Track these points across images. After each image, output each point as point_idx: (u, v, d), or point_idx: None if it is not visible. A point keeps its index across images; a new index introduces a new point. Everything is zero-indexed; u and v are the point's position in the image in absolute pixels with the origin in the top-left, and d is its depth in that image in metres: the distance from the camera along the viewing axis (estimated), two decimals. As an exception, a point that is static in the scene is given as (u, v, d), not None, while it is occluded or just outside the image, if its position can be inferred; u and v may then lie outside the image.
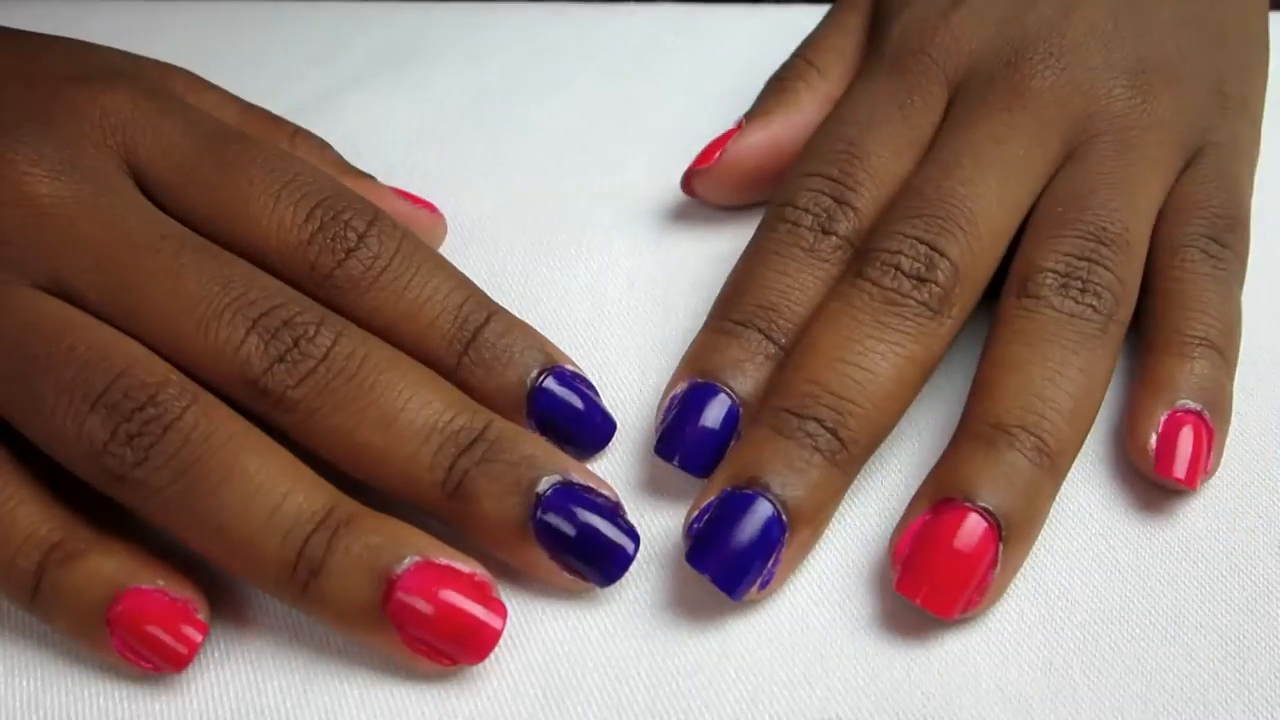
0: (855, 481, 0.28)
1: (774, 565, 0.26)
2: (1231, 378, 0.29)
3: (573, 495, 0.26)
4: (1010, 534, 0.25)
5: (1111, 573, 0.27)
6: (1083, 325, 0.28)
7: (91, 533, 0.26)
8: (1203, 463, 0.27)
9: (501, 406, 0.28)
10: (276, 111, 0.34)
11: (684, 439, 0.28)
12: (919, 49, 0.32)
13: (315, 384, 0.26)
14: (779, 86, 0.35)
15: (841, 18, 0.36)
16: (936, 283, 0.28)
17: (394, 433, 0.26)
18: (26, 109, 0.29)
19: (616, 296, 0.33)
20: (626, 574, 0.26)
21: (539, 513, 0.26)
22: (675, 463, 0.28)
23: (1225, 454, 0.28)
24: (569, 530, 0.26)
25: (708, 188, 0.35)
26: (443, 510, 0.26)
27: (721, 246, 0.34)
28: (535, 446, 0.26)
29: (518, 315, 0.29)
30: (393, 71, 0.42)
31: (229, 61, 0.41)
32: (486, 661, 0.25)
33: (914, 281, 0.28)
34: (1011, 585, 0.26)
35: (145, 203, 0.28)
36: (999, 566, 0.25)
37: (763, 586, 0.26)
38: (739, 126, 0.34)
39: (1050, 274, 0.28)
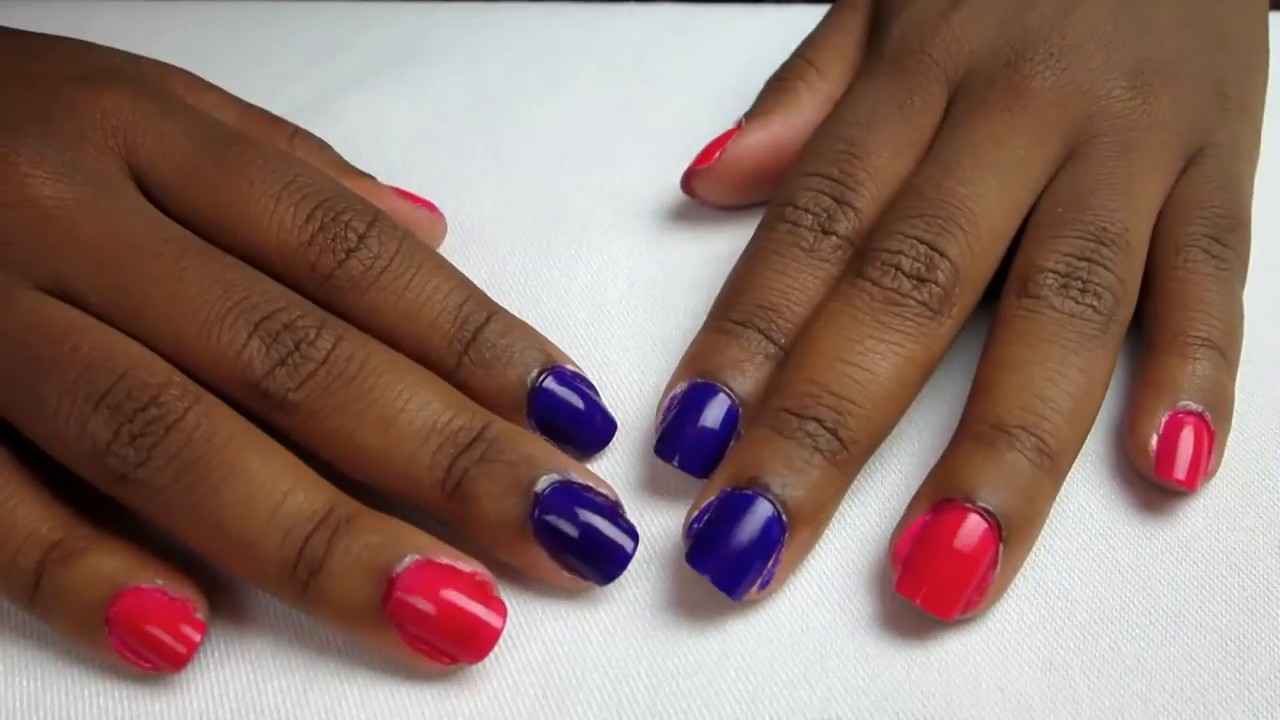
0: (855, 481, 0.28)
1: (774, 565, 0.26)
2: (1233, 379, 0.29)
3: (571, 494, 0.26)
4: (1010, 534, 0.25)
5: (1111, 573, 0.27)
6: (1083, 325, 0.28)
7: (91, 532, 0.26)
8: (1203, 464, 0.27)
9: (502, 406, 0.28)
10: (276, 111, 0.34)
11: (684, 439, 0.28)
12: (919, 49, 0.32)
13: (315, 387, 0.26)
14: (779, 86, 0.35)
15: (841, 18, 0.36)
16: (937, 283, 0.28)
17: (393, 433, 0.26)
18: (27, 110, 0.29)
19: (616, 296, 0.33)
20: (626, 574, 0.26)
21: (538, 512, 0.26)
22: (675, 463, 0.28)
23: (1225, 454, 0.28)
24: (568, 529, 0.26)
25: (708, 188, 0.35)
26: (442, 510, 0.26)
27: (721, 246, 0.34)
28: (534, 446, 0.26)
29: (518, 315, 0.29)
30: (393, 71, 0.42)
31: (229, 61, 0.41)
32: (486, 661, 0.25)
33: (914, 281, 0.28)
34: (1011, 585, 0.26)
35: (147, 205, 0.28)
36: (999, 567, 0.25)
37: (763, 587, 0.26)
38: (739, 126, 0.34)
39: (1050, 274, 0.28)
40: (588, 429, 0.29)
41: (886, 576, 0.27)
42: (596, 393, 0.29)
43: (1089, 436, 0.28)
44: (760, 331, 0.28)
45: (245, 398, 0.26)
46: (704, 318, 0.30)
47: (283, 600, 0.26)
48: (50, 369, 0.25)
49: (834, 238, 0.29)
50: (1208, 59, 0.32)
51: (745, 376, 0.28)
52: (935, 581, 0.25)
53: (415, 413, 0.26)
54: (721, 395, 0.28)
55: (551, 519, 0.26)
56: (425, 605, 0.24)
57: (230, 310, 0.26)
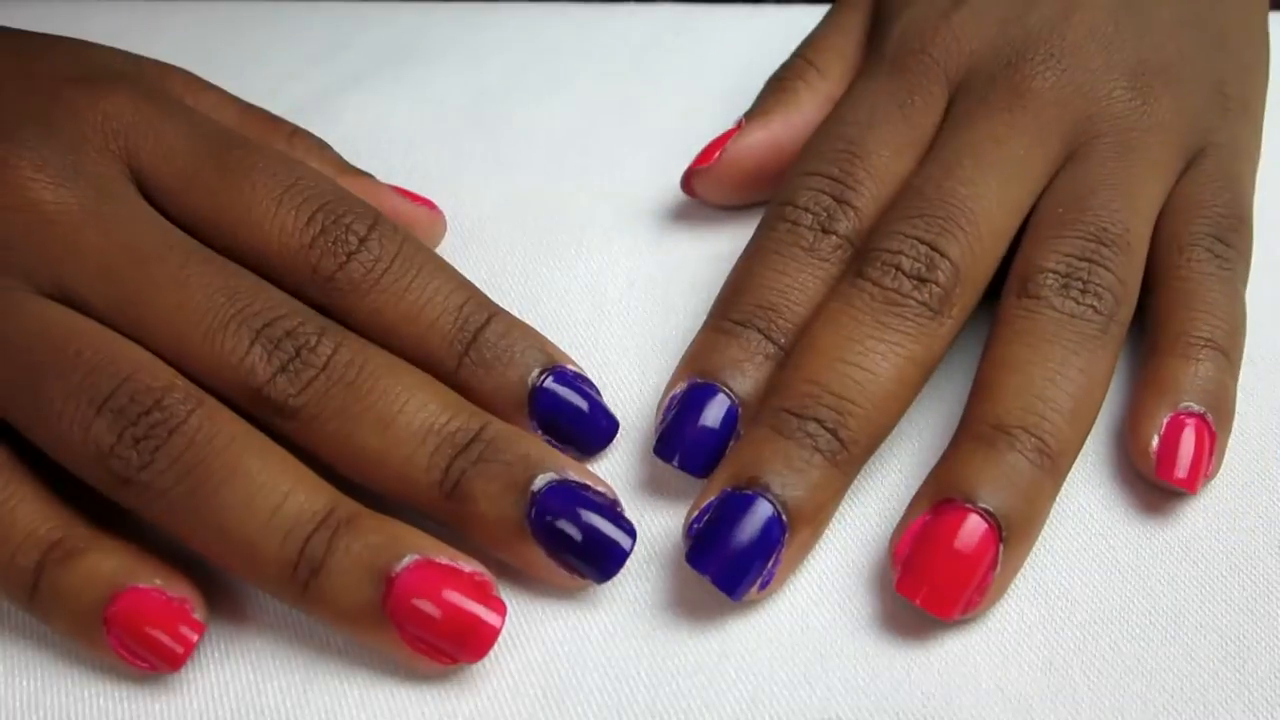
0: (855, 481, 0.28)
1: (774, 565, 0.26)
2: (1235, 380, 0.29)
3: (568, 493, 0.26)
4: (1010, 535, 0.25)
5: (1111, 573, 0.27)
6: (1083, 326, 0.28)
7: (90, 532, 0.26)
8: (1204, 466, 0.27)
9: (503, 407, 0.28)
10: (276, 111, 0.34)
11: (683, 439, 0.28)
12: (920, 49, 0.32)
13: (316, 392, 0.26)
14: (779, 86, 0.35)
15: (841, 18, 0.36)
16: (937, 283, 0.28)
17: (391, 435, 0.26)
18: (27, 112, 0.29)
19: (616, 296, 0.33)
20: (626, 574, 0.26)
21: (535, 511, 0.26)
22: (675, 463, 0.28)
23: (1226, 454, 0.28)
24: (565, 528, 0.26)
25: (708, 187, 0.35)
26: (440, 511, 0.26)
27: (721, 246, 0.34)
28: (531, 446, 0.26)
29: (518, 315, 0.29)
30: (393, 71, 0.42)
31: (229, 61, 0.41)
32: (486, 661, 0.25)
33: (914, 281, 0.28)
34: (1011, 585, 0.26)
35: (149, 210, 0.28)
36: (999, 567, 0.25)
37: (763, 587, 0.26)
38: (739, 126, 0.34)
39: (1051, 274, 0.28)
40: (590, 429, 0.29)
41: (886, 576, 0.27)
42: (598, 392, 0.29)
43: (1089, 437, 0.28)
44: (760, 331, 0.28)
45: (247, 403, 0.26)
46: (704, 318, 0.30)
47: (283, 601, 0.26)
48: (54, 373, 0.25)
49: (834, 237, 0.29)
50: (1208, 59, 0.32)
51: (745, 376, 0.28)
52: (935, 582, 0.25)
53: (413, 414, 0.26)
54: (721, 395, 0.28)
55: (549, 518, 0.26)
56: (425, 605, 0.24)
57: (233, 317, 0.26)
